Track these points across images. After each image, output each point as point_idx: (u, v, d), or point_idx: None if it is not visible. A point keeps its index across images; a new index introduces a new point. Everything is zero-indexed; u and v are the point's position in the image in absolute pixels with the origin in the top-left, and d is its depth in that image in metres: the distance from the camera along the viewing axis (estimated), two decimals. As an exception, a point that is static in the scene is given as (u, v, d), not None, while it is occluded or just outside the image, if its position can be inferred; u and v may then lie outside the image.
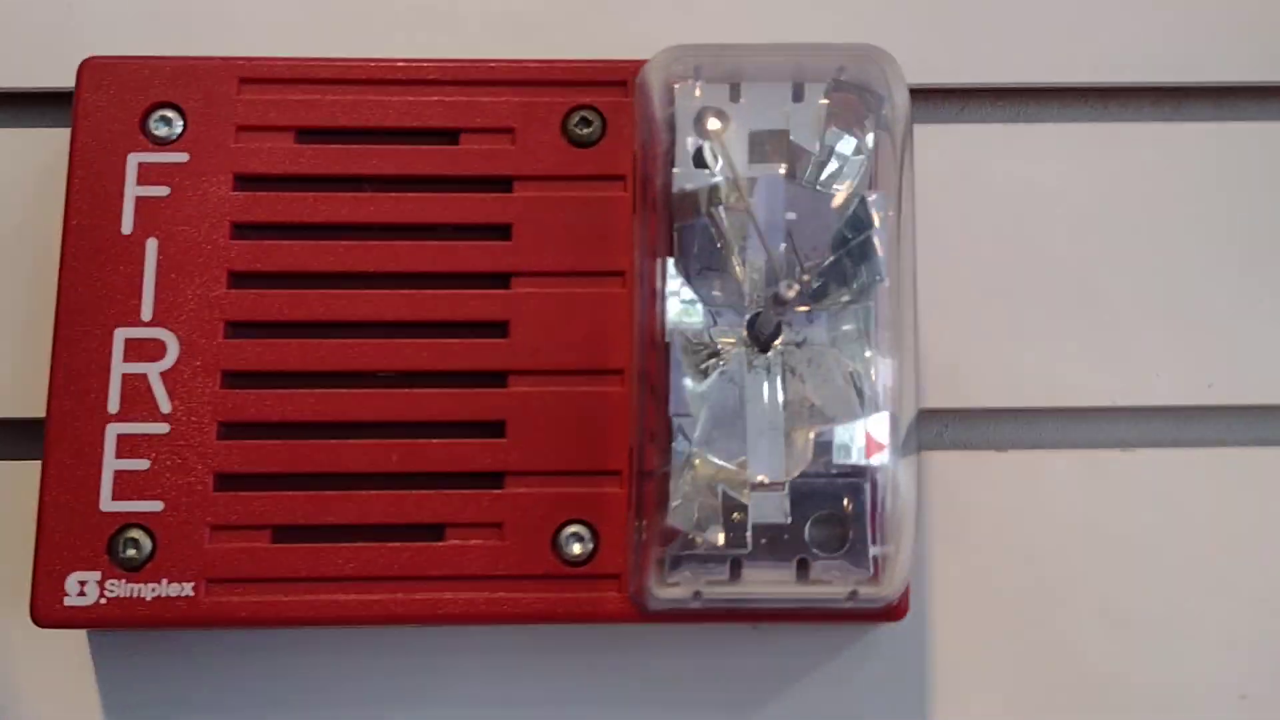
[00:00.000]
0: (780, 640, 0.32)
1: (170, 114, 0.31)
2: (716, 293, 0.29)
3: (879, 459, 0.28)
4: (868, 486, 0.29)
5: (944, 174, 0.35)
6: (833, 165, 0.30)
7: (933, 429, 0.34)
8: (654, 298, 0.29)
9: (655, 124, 0.30)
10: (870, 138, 0.30)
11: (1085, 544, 0.33)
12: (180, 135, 0.31)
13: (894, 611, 0.30)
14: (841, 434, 0.29)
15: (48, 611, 0.29)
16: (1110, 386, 0.34)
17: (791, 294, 0.28)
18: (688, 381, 0.28)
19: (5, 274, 0.33)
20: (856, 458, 0.28)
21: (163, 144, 0.31)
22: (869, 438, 0.29)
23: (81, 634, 0.32)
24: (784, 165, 0.30)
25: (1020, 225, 0.35)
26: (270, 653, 0.32)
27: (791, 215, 0.29)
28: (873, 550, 0.29)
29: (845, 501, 0.29)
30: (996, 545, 0.33)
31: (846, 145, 0.30)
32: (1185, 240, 0.35)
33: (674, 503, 0.28)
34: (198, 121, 0.31)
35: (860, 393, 0.29)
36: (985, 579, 0.33)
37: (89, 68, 0.31)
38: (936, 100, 0.35)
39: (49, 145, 0.34)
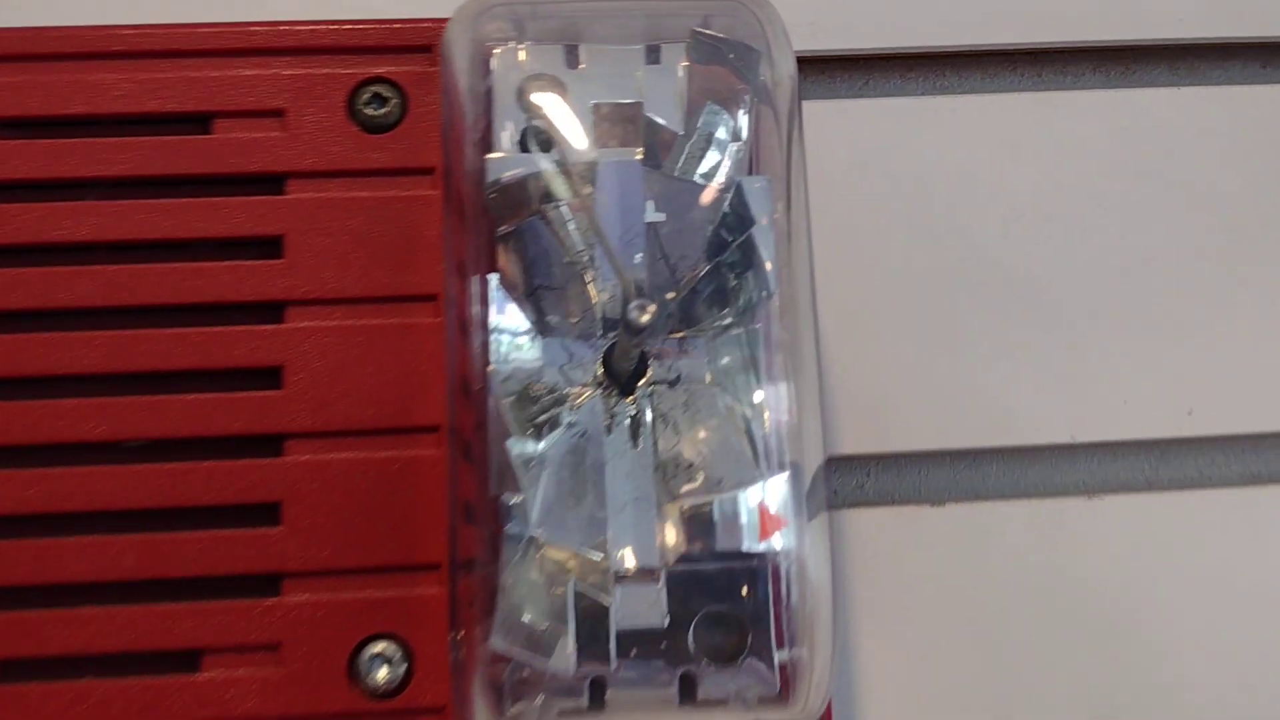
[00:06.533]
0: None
1: None
2: (555, 319, 0.25)
3: (781, 538, 0.25)
4: (768, 572, 0.26)
5: (848, 161, 0.33)
6: (700, 145, 0.27)
7: (852, 480, 0.32)
8: (467, 328, 0.25)
9: (465, 99, 0.27)
10: (746, 115, 0.27)
11: (1046, 612, 0.31)
12: None
13: (813, 730, 0.26)
14: (728, 504, 0.25)
15: None
16: (1068, 418, 0.32)
17: (645, 319, 0.23)
18: (515, 442, 0.24)
19: None
20: (749, 537, 0.25)
21: None
22: (764, 511, 0.25)
23: None
24: (640, 149, 0.26)
25: (947, 223, 0.33)
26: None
27: (660, 216, 0.27)
28: (778, 656, 0.25)
29: (741, 592, 0.25)
30: (938, 621, 0.31)
31: (716, 119, 0.27)
32: (1148, 232, 0.33)
33: (501, 609, 0.24)
34: None
35: (752, 443, 0.25)
36: (926, 664, 0.31)
37: None
38: (833, 71, 0.34)
39: None
